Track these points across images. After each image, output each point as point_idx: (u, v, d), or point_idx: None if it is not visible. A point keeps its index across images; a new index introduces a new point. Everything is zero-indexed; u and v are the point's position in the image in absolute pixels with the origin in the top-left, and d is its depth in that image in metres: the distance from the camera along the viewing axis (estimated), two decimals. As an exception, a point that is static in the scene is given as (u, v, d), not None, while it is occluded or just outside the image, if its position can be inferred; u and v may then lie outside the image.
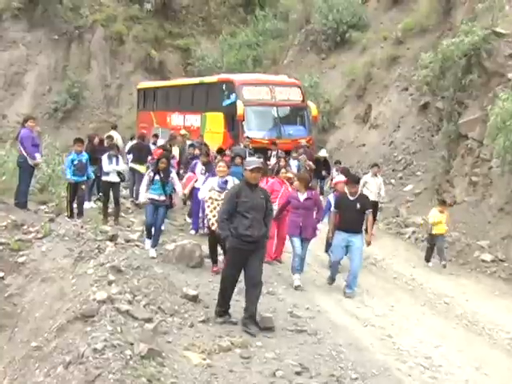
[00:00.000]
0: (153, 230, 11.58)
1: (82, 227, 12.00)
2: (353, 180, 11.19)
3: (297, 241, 11.03)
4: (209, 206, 10.45)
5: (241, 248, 8.07)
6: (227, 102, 21.81)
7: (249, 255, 8.11)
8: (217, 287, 8.75)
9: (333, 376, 6.98)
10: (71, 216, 13.43)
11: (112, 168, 14.21)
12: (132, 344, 6.58)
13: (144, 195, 11.68)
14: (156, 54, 36.44)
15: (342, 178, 12.45)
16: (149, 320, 7.45)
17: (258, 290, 8.27)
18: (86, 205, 15.14)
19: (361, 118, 24.32)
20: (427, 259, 13.42)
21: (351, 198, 10.82)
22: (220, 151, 15.49)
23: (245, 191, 8.19)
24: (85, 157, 13.99)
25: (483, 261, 13.12)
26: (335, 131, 24.91)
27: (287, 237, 11.55)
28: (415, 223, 15.98)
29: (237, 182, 10.44)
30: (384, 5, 27.97)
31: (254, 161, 8.57)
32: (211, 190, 10.57)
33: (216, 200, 10.31)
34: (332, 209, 11.26)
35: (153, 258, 11.12)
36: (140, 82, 32.51)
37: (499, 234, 13.68)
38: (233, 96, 21.41)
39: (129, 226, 14.02)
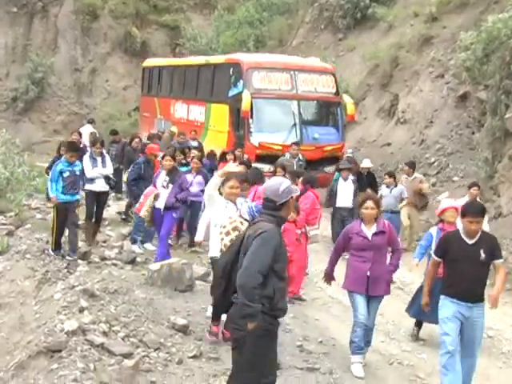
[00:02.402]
0: None
1: (47, 242, 12.02)
2: (474, 210, 7.91)
3: (361, 301, 8.78)
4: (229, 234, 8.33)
5: (275, 332, 6.32)
6: (234, 91, 20.50)
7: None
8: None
9: (352, 425, 7.00)
10: (57, 249, 11.99)
11: (97, 172, 13.47)
12: (108, 385, 6.58)
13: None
14: (137, 33, 36.57)
15: (451, 201, 10.49)
16: (128, 355, 7.45)
17: None
18: None
19: (386, 112, 24.36)
20: None
21: (469, 242, 7.85)
22: (223, 157, 15.29)
23: (281, 237, 6.29)
24: (78, 167, 12.44)
25: (536, 286, 13.04)
26: (354, 127, 24.92)
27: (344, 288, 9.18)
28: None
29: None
30: (415, -27, 28.10)
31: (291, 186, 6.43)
32: (233, 217, 8.63)
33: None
34: (433, 255, 8.56)
35: None
36: (117, 65, 32.57)
37: (555, 252, 13.67)
38: (240, 84, 20.16)
39: (105, 242, 14.02)
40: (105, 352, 7.32)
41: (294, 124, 19.81)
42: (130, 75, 35.80)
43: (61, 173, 11.94)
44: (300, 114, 19.98)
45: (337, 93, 20.85)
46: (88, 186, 13.59)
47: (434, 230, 10.05)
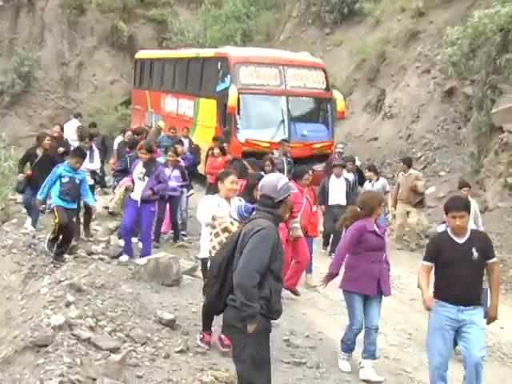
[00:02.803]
0: None
1: (33, 237, 11.95)
2: (456, 205, 7.37)
3: (360, 306, 8.44)
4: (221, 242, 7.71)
5: (269, 331, 6.29)
6: (221, 86, 20.15)
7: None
8: (199, 310, 8.69)
9: (338, 419, 7.00)
10: (54, 241, 11.45)
11: (83, 167, 12.83)
12: (94, 379, 6.54)
13: None
14: (125, 27, 36.37)
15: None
16: (115, 350, 7.42)
17: None
18: None
19: (372, 107, 24.39)
20: None
21: (459, 241, 7.28)
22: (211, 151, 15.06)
23: (278, 235, 6.08)
24: (81, 175, 11.73)
25: (521, 280, 13.06)
26: (341, 122, 24.83)
27: (343, 293, 8.71)
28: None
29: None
30: (402, -32, 28.12)
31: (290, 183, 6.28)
32: (224, 217, 8.10)
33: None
34: (423, 261, 7.60)
35: None
36: (104, 59, 32.41)
37: (540, 247, 13.72)
38: (227, 79, 19.76)
39: (92, 236, 13.99)
40: (91, 347, 7.29)
41: (282, 120, 19.34)
42: (117, 69, 35.66)
43: (60, 177, 11.34)
44: (288, 110, 19.49)
45: (327, 88, 20.37)
46: None
47: (441, 228, 9.64)
